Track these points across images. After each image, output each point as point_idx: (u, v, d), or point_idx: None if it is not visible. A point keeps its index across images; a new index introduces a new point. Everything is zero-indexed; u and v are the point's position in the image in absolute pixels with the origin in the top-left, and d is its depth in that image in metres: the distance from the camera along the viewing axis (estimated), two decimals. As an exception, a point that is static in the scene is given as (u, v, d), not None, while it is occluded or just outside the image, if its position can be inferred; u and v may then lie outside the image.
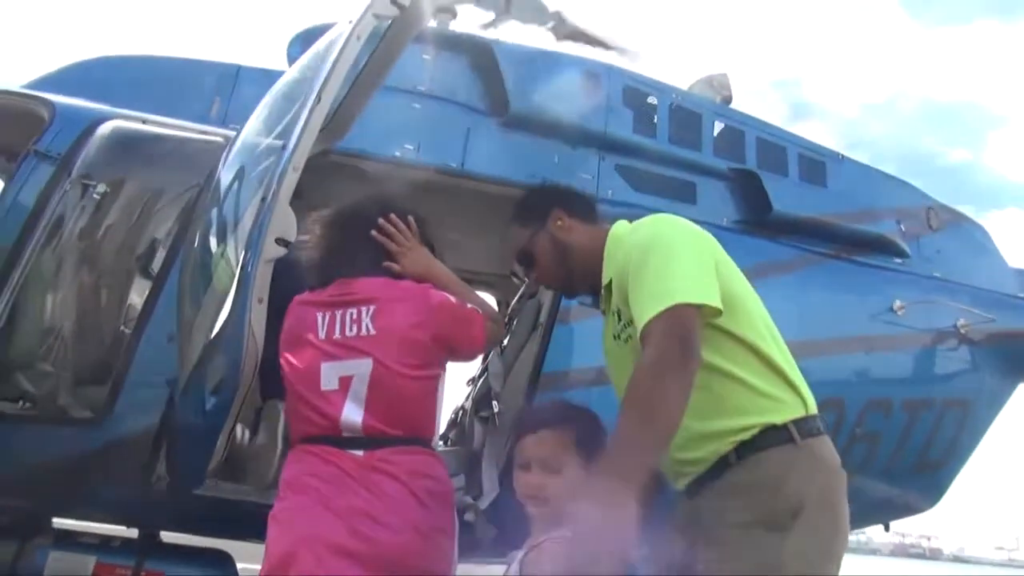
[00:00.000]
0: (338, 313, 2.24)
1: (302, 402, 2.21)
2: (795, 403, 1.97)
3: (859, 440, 4.41)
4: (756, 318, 2.06)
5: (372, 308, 2.23)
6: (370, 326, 2.20)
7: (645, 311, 1.84)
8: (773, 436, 1.90)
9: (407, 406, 2.20)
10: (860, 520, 5.27)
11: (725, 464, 1.92)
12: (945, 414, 4.71)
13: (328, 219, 2.43)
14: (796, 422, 1.92)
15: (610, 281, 2.12)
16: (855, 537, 21.25)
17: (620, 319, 2.07)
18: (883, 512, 5.02)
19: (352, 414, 2.15)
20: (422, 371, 2.22)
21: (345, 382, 2.16)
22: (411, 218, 2.46)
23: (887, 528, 5.24)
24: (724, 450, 1.92)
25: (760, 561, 1.79)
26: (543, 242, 2.30)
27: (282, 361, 2.27)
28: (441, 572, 2.15)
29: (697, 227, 2.10)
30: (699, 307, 1.85)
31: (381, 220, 2.42)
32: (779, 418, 1.92)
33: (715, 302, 1.87)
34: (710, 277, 1.92)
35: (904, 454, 4.64)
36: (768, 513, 1.83)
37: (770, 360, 1.99)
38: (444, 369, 2.36)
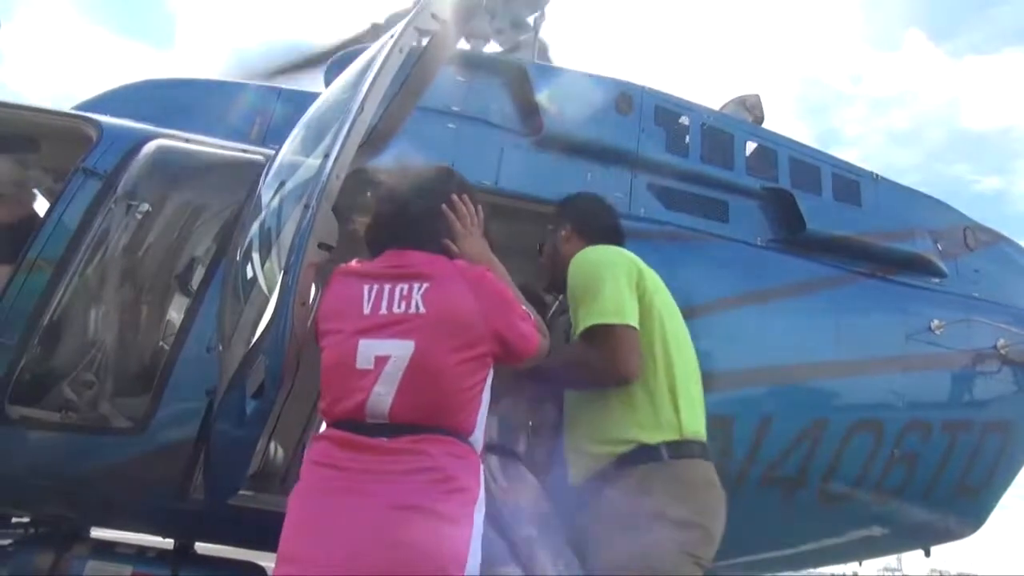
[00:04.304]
0: (387, 287, 2.03)
1: (334, 381, 2.00)
2: (671, 427, 2.35)
3: (897, 462, 4.34)
4: (667, 333, 2.46)
5: (425, 285, 2.01)
6: (420, 304, 1.98)
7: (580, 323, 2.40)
8: (645, 454, 2.31)
9: (446, 397, 1.96)
10: (898, 544, 5.15)
11: (604, 475, 2.35)
12: (986, 437, 4.61)
13: (395, 182, 2.27)
14: (668, 444, 2.32)
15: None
16: (887, 561, 20.51)
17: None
18: (922, 537, 4.91)
19: (380, 399, 1.92)
20: (471, 363, 2.00)
21: (381, 362, 1.93)
22: (479, 209, 2.33)
23: (927, 553, 5.10)
24: (610, 457, 2.35)
25: (628, 551, 2.18)
26: (550, 243, 2.90)
27: (319, 336, 2.09)
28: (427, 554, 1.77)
29: (616, 253, 2.57)
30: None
31: (455, 196, 2.26)
32: (651, 439, 2.32)
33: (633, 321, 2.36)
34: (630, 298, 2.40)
35: (944, 477, 4.53)
36: (632, 516, 2.23)
37: (662, 380, 2.39)
38: (492, 370, 2.10)
